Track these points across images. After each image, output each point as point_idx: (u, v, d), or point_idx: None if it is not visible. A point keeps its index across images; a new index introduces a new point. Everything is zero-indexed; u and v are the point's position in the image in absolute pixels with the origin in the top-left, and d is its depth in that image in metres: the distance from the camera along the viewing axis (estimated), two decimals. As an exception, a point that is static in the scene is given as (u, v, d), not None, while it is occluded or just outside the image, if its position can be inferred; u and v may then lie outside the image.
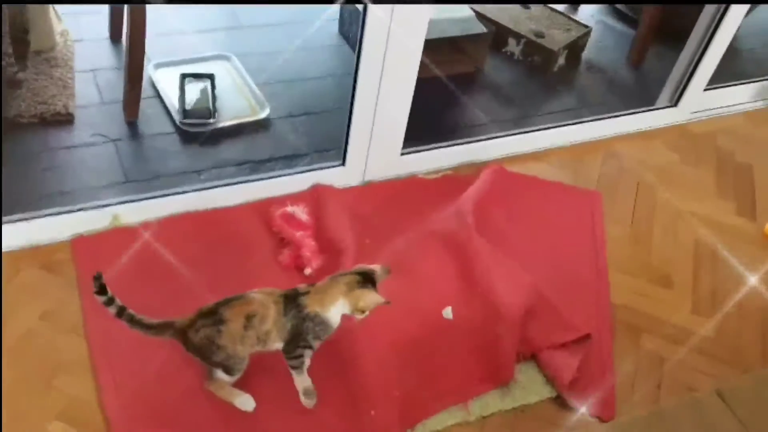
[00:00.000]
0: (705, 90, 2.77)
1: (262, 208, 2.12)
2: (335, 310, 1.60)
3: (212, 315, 1.59)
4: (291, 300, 1.61)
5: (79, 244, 1.94)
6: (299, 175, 2.25)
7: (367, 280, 1.62)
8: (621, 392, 1.88)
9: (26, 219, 1.94)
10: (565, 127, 2.65)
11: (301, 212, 2.10)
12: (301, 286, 1.65)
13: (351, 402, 1.71)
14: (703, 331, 2.08)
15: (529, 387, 1.83)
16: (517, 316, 1.90)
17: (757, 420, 1.34)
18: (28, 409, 1.60)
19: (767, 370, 1.67)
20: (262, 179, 2.22)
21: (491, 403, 1.79)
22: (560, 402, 1.82)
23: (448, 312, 1.92)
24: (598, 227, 2.35)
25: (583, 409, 1.79)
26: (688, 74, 2.71)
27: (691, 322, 2.10)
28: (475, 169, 2.42)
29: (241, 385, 1.68)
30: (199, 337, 1.58)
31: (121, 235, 1.98)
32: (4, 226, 1.88)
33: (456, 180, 2.38)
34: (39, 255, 1.90)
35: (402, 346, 1.83)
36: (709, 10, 2.58)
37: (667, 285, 2.20)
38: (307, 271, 1.99)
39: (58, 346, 1.73)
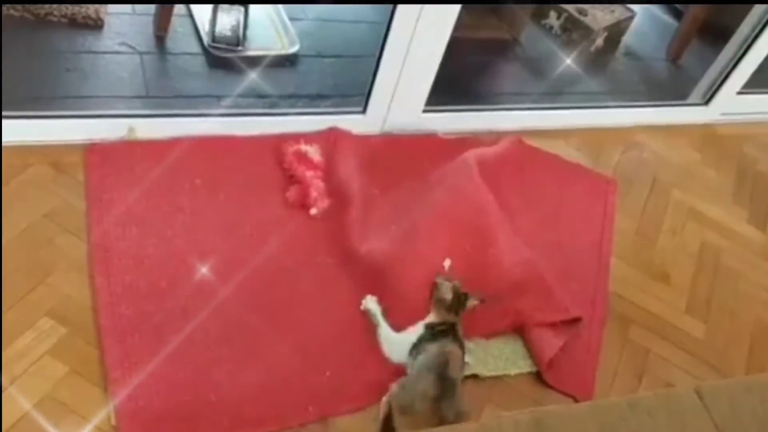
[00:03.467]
0: (738, 93, 2.72)
1: (276, 144, 2.11)
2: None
3: (445, 388, 1.61)
4: (456, 335, 1.73)
5: (92, 151, 1.94)
6: (318, 116, 2.24)
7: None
8: (601, 378, 1.89)
9: (42, 116, 1.94)
10: (591, 110, 2.62)
11: (314, 152, 2.09)
12: (444, 327, 1.73)
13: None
14: (692, 332, 2.08)
15: (512, 359, 1.85)
16: (510, 282, 1.92)
17: (731, 424, 1.35)
18: (20, 301, 1.62)
19: (749, 377, 1.68)
20: (281, 114, 2.21)
21: (473, 365, 1.80)
22: (539, 378, 1.83)
23: (447, 264, 1.93)
24: (609, 215, 2.34)
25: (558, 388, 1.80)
26: (724, 74, 2.66)
27: (683, 321, 2.10)
28: (494, 136, 2.40)
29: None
30: (451, 418, 1.56)
31: (135, 148, 1.98)
32: (18, 120, 1.89)
33: (474, 144, 2.35)
34: (51, 153, 1.91)
35: (401, 294, 1.84)
36: (757, 10, 2.52)
37: (665, 282, 2.20)
38: (313, 211, 1.99)
39: (58, 245, 1.74)
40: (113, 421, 1.49)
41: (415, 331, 1.74)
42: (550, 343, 1.82)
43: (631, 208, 2.41)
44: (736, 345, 2.09)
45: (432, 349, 1.67)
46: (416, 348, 1.71)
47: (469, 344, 1.81)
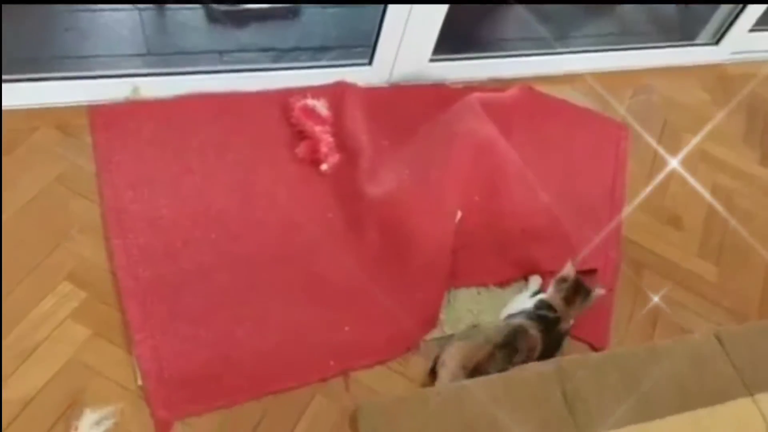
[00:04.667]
0: (750, 31, 2.66)
1: (283, 99, 2.08)
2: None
3: (509, 346, 1.61)
4: (551, 329, 1.69)
5: (98, 112, 1.92)
6: (324, 69, 2.20)
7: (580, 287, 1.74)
8: (616, 324, 1.91)
9: (44, 79, 1.90)
10: (600, 53, 2.57)
11: (321, 106, 2.06)
12: (549, 315, 1.70)
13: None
14: (705, 275, 2.09)
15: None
16: (524, 229, 1.93)
17: (751, 367, 1.36)
18: (39, 266, 1.62)
19: (764, 323, 1.69)
20: (285, 69, 2.17)
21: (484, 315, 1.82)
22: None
23: (457, 216, 1.92)
24: (621, 160, 2.32)
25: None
26: (735, 12, 2.60)
27: (696, 265, 2.11)
28: (503, 84, 2.36)
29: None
30: (499, 367, 1.56)
31: (140, 108, 1.95)
32: (22, 83, 1.85)
33: (483, 91, 2.31)
34: (56, 116, 1.88)
35: (414, 242, 1.83)
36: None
37: (677, 226, 2.20)
38: (324, 166, 1.97)
39: (72, 209, 1.74)
40: (139, 382, 1.51)
41: (523, 299, 1.78)
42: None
43: (642, 152, 2.38)
44: (749, 286, 2.10)
45: (521, 321, 1.67)
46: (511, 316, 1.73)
47: (484, 292, 1.83)
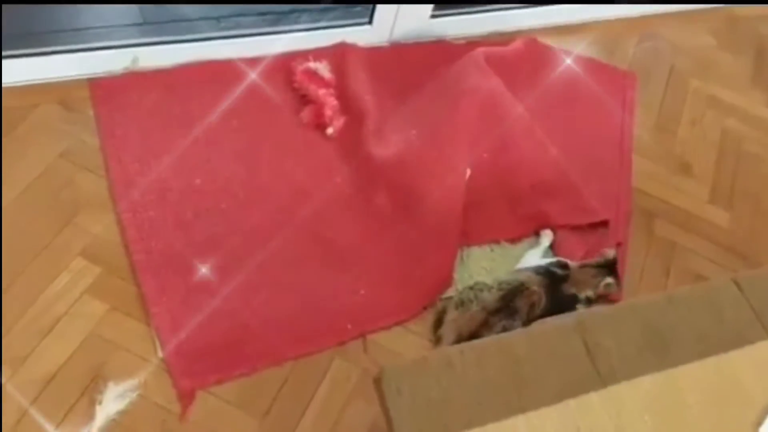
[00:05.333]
0: (757, -30, 2.61)
1: (284, 63, 2.05)
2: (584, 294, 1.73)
3: (505, 309, 1.62)
4: (555, 286, 1.69)
5: (98, 85, 1.89)
6: (323, 30, 2.16)
7: (610, 268, 1.74)
8: (629, 275, 1.90)
9: (41, 54, 1.87)
10: (602, 3, 2.51)
11: (324, 69, 2.03)
12: (558, 271, 1.70)
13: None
14: (717, 221, 2.08)
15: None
16: (534, 183, 1.92)
17: (766, 306, 1.35)
18: (51, 244, 1.62)
19: None
20: (285, 32, 2.13)
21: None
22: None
23: (467, 173, 1.90)
24: (629, 110, 2.29)
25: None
26: (742, -49, 2.54)
27: (707, 211, 2.10)
28: (506, 38, 2.32)
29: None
30: (496, 332, 1.59)
31: (140, 79, 1.93)
32: (19, 59, 1.82)
33: (486, 46, 2.27)
34: (56, 91, 1.85)
35: (424, 201, 1.82)
36: None
37: (687, 173, 2.18)
38: (329, 130, 1.95)
39: (79, 184, 1.72)
40: (160, 353, 1.51)
41: (536, 255, 1.79)
42: (573, 249, 1.83)
43: (649, 100, 2.35)
44: (761, 230, 2.09)
45: (526, 277, 1.67)
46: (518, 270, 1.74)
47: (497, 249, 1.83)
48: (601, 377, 1.22)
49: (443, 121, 1.88)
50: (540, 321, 1.49)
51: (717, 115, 2.36)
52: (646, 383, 1.23)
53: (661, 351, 1.29)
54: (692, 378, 1.27)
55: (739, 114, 2.37)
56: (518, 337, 1.25)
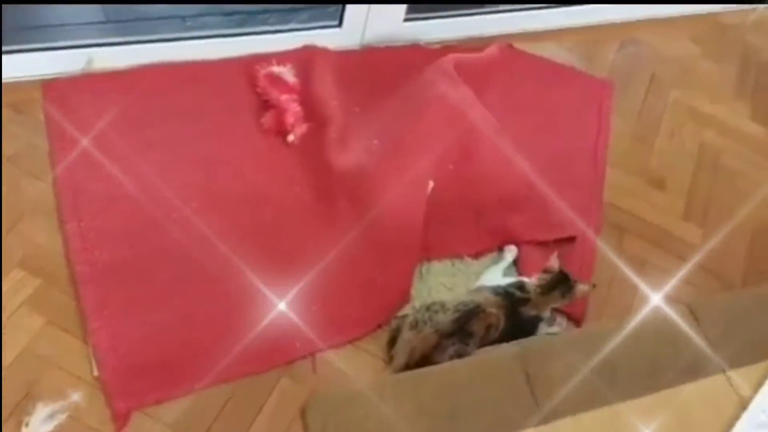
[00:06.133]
0: (745, -23, 2.54)
1: (248, 66, 1.99)
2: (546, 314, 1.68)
3: (459, 332, 1.54)
4: (515, 308, 1.61)
5: (51, 87, 1.83)
6: (292, 33, 2.10)
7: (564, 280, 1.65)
8: (597, 293, 1.84)
9: (-6, 53, 1.82)
10: (584, 6, 2.45)
11: (288, 73, 1.97)
12: (517, 293, 1.62)
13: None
14: (689, 238, 2.02)
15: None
16: (500, 197, 1.86)
17: (724, 341, 1.30)
18: (-10, 251, 1.57)
19: (745, 290, 1.63)
20: (251, 34, 2.07)
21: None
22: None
23: (429, 185, 1.84)
24: (604, 120, 2.23)
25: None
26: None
27: (680, 228, 2.04)
28: (482, 43, 2.25)
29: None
30: (448, 355, 1.51)
31: (96, 81, 1.87)
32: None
33: (460, 51, 2.20)
34: (7, 93, 1.80)
35: (385, 213, 1.76)
36: None
37: (662, 187, 2.12)
38: (290, 137, 1.90)
39: (24, 190, 1.67)
40: (95, 372, 1.46)
41: (498, 271, 1.73)
42: (536, 266, 1.76)
43: (627, 109, 2.29)
44: (734, 248, 2.03)
45: (484, 299, 1.60)
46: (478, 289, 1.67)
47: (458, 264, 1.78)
48: (540, 410, 1.17)
49: (407, 131, 1.82)
50: (483, 350, 1.44)
51: (696, 126, 2.30)
52: (588, 419, 1.18)
53: (609, 383, 1.24)
54: (640, 413, 1.22)
55: (719, 126, 2.31)
56: (458, 365, 1.21)
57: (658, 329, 1.31)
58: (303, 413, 1.09)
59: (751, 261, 2.01)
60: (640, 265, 1.93)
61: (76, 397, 1.41)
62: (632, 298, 1.86)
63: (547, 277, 1.62)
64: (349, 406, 1.10)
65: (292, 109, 1.90)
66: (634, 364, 1.27)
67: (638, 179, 2.12)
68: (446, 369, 1.18)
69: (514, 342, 1.29)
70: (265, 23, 2.15)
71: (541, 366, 1.22)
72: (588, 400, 1.21)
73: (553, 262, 1.65)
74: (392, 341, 1.61)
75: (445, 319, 1.57)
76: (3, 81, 1.81)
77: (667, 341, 1.31)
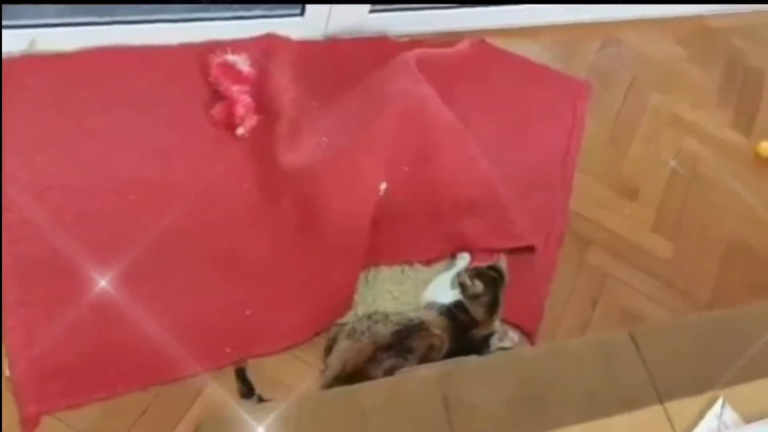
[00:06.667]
0: (734, -22, 2.43)
1: (202, 54, 1.90)
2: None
3: (397, 346, 1.47)
4: (463, 334, 1.54)
5: (-11, 68, 1.75)
6: (252, 20, 2.01)
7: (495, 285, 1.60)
8: (554, 305, 1.76)
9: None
10: (565, 3, 2.35)
11: (242, 62, 1.88)
12: (462, 317, 1.55)
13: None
14: (658, 251, 1.93)
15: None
16: (456, 201, 1.77)
17: (664, 371, 1.22)
18: None
19: (688, 317, 1.54)
20: (207, 19, 1.98)
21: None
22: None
23: (382, 187, 1.76)
24: (578, 124, 2.14)
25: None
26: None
27: (649, 240, 1.95)
28: (454, 38, 2.15)
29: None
30: (383, 369, 1.43)
31: (37, 63, 1.78)
32: None
33: (430, 46, 2.11)
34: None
35: (330, 217, 1.67)
36: None
37: (632, 197, 2.03)
38: (240, 130, 1.81)
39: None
40: (7, 372, 1.39)
41: (446, 280, 1.64)
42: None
43: (604, 113, 2.20)
44: (705, 264, 1.94)
45: (430, 317, 1.53)
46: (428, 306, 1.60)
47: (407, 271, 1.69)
48: (455, 437, 1.08)
49: (357, 131, 1.72)
50: (402, 371, 1.36)
51: (675, 133, 2.20)
52: (506, 452, 1.10)
53: (537, 411, 1.16)
54: (568, 445, 1.13)
55: (699, 134, 2.21)
56: (369, 389, 1.12)
57: (596, 355, 1.23)
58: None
59: (721, 279, 1.92)
60: (602, 279, 1.84)
61: (-18, 399, 1.33)
62: (590, 315, 1.77)
63: (484, 300, 1.54)
64: (244, 429, 1.02)
65: (243, 100, 1.81)
66: (566, 390, 1.19)
67: (608, 187, 2.03)
68: (354, 392, 1.09)
69: (435, 363, 1.20)
70: (223, 9, 2.05)
71: (462, 391, 1.14)
72: (511, 429, 1.12)
73: (475, 287, 1.58)
74: (328, 350, 1.53)
75: (384, 331, 1.49)
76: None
77: (606, 368, 1.23)
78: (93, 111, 1.76)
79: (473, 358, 1.37)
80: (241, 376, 1.44)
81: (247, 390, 1.43)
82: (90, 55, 1.84)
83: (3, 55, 1.76)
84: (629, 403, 1.19)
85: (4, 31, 1.78)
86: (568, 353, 1.21)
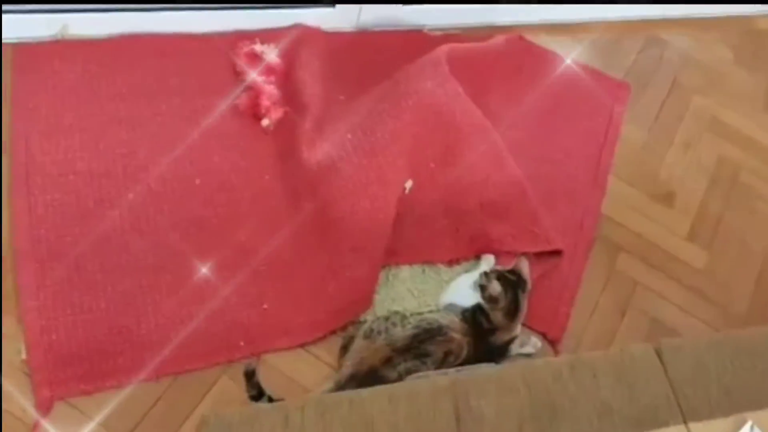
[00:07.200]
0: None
1: (231, 43, 1.88)
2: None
3: (414, 350, 1.45)
4: (482, 339, 1.50)
5: (20, 51, 1.76)
6: (282, 10, 1.98)
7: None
8: (581, 312, 1.71)
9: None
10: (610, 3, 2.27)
11: (271, 53, 1.86)
12: (484, 323, 1.52)
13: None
14: (692, 261, 1.86)
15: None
16: (482, 202, 1.73)
17: (690, 389, 1.16)
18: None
19: (717, 335, 1.46)
20: (236, 8, 1.96)
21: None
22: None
23: (408, 185, 1.72)
24: (614, 126, 2.06)
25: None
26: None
27: (683, 249, 1.87)
28: (491, 32, 2.10)
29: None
30: (398, 372, 1.42)
31: (68, 48, 1.79)
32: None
33: (464, 41, 2.05)
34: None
35: (355, 213, 1.64)
36: None
37: (668, 203, 1.95)
38: (265, 122, 1.79)
39: (-21, 160, 1.60)
40: (23, 355, 1.39)
41: (467, 282, 1.60)
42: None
43: (642, 115, 2.12)
44: (741, 277, 1.85)
45: (449, 321, 1.50)
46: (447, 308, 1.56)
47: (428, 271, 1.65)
48: (465, 453, 1.04)
49: (382, 127, 1.67)
50: (416, 375, 1.32)
51: (716, 139, 2.11)
52: (516, 470, 1.05)
53: (549, 426, 1.11)
54: (582, 463, 1.08)
55: (741, 140, 2.12)
56: (377, 395, 1.09)
57: (616, 369, 1.17)
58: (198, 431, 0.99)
59: (758, 294, 1.83)
60: (631, 287, 1.77)
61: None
62: (618, 324, 1.71)
63: (503, 305, 1.50)
64: (247, 428, 1.00)
65: (269, 91, 1.80)
66: (581, 406, 1.13)
67: (644, 192, 1.96)
68: (361, 397, 1.06)
69: (449, 371, 1.16)
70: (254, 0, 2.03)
71: (475, 402, 1.09)
72: (523, 443, 1.08)
73: (522, 265, 1.53)
74: (344, 349, 1.50)
75: (401, 333, 1.46)
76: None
77: (624, 383, 1.17)
78: (119, 97, 1.75)
79: (488, 367, 1.32)
80: (250, 379, 1.42)
81: (256, 393, 1.41)
82: (118, 41, 1.84)
83: (33, 40, 1.77)
84: (648, 422, 1.14)
85: (35, 15, 1.79)
86: (587, 366, 1.15)
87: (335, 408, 1.03)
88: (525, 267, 1.57)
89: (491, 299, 1.50)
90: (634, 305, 1.74)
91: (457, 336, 1.46)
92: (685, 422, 1.11)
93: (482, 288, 1.52)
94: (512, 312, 1.50)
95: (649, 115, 2.13)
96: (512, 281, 1.54)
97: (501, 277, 1.53)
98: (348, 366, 1.45)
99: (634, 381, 1.18)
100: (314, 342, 1.54)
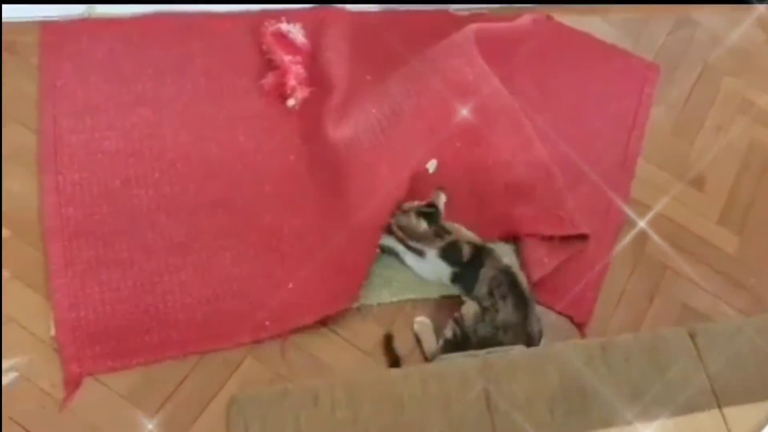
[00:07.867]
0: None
1: (256, 22, 1.87)
2: None
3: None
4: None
5: (48, 30, 1.76)
6: (308, -11, 1.96)
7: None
8: (608, 296, 1.69)
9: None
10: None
11: (297, 32, 1.84)
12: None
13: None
14: (723, 246, 1.82)
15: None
16: (507, 184, 1.71)
17: (725, 374, 1.14)
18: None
19: (754, 320, 1.43)
20: (263, -13, 1.95)
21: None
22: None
23: (432, 165, 1.70)
24: (643, 108, 2.02)
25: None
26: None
27: (713, 233, 1.84)
28: (518, 12, 2.06)
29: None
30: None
31: (95, 27, 1.79)
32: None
33: (492, 21, 2.02)
34: (4, 32, 1.73)
35: (373, 192, 1.63)
36: None
37: (699, 187, 1.91)
38: (290, 102, 1.78)
39: (6, 136, 1.61)
40: (52, 332, 1.40)
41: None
42: (541, 262, 1.61)
43: (672, 97, 2.07)
44: (773, 263, 1.82)
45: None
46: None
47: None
48: (495, 430, 1.04)
49: (407, 106, 1.66)
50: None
51: (748, 121, 2.06)
52: (547, 449, 1.04)
53: (580, 409, 1.10)
54: (614, 445, 1.07)
55: (773, 123, 2.07)
56: (407, 376, 1.08)
57: (648, 352, 1.15)
58: (228, 411, 0.99)
59: (789, 278, 1.80)
60: (660, 271, 1.75)
61: (31, 356, 1.35)
62: (646, 309, 1.69)
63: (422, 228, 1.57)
64: (278, 409, 0.99)
65: (295, 71, 1.78)
66: (612, 389, 1.12)
67: (673, 176, 1.92)
68: (390, 377, 1.05)
69: (480, 352, 1.15)
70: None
71: (505, 385, 1.08)
72: (552, 425, 1.07)
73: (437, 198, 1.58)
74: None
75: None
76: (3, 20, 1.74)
77: (657, 366, 1.15)
78: (144, 76, 1.75)
79: (519, 349, 1.31)
80: (389, 345, 1.49)
81: (393, 361, 1.45)
82: (145, 20, 1.83)
83: (60, 18, 1.77)
84: (681, 406, 1.12)
85: (63, -6, 1.79)
86: (619, 349, 1.14)
87: (365, 388, 1.03)
88: (440, 199, 1.59)
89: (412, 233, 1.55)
90: (664, 290, 1.72)
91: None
92: (719, 407, 1.09)
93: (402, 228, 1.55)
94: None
95: (679, 97, 2.08)
96: (429, 213, 1.56)
97: (419, 213, 1.55)
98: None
99: (666, 364, 1.16)
100: (336, 313, 1.51)
